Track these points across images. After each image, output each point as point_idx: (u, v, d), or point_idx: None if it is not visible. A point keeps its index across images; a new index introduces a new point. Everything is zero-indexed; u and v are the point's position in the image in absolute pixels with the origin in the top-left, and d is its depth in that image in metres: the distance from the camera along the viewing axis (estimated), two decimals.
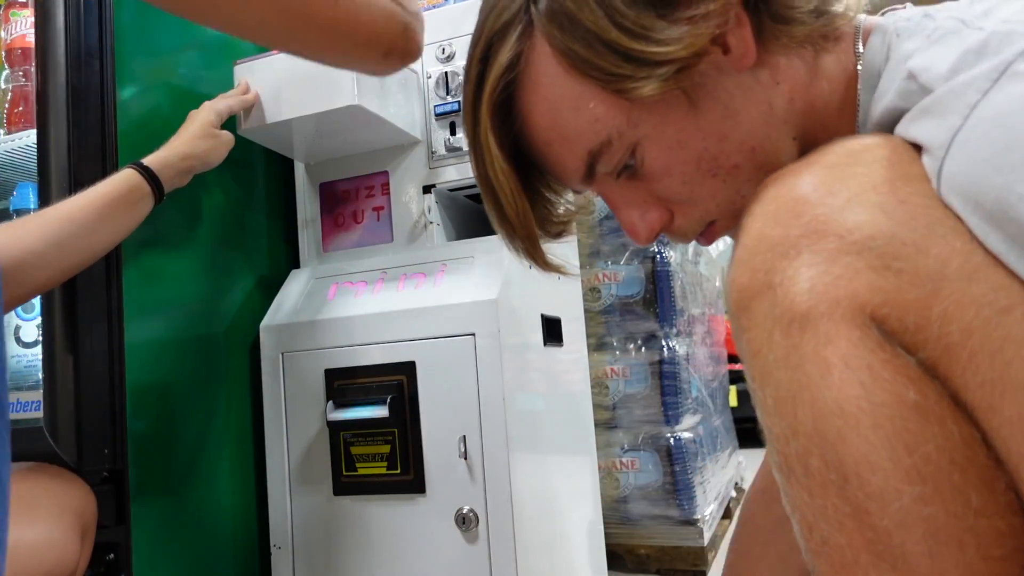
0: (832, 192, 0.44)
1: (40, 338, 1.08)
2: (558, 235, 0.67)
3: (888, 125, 0.49)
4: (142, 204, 0.95)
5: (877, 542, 0.41)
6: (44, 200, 0.97)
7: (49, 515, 0.78)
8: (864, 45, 0.55)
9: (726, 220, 0.60)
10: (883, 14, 0.57)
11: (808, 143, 0.57)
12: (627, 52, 0.52)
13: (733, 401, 3.46)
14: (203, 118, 1.07)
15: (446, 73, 1.23)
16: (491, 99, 0.59)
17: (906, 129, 0.46)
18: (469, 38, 1.33)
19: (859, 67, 0.56)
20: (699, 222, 0.60)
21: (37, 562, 0.74)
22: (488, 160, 0.61)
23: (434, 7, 1.28)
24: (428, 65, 1.26)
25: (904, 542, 0.40)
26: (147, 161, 0.97)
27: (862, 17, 0.58)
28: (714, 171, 0.57)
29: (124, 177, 0.93)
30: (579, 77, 0.55)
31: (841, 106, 0.57)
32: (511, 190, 0.61)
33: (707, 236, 0.62)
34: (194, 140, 1.04)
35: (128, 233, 0.94)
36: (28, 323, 1.16)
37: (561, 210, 0.67)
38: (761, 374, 0.46)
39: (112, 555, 0.96)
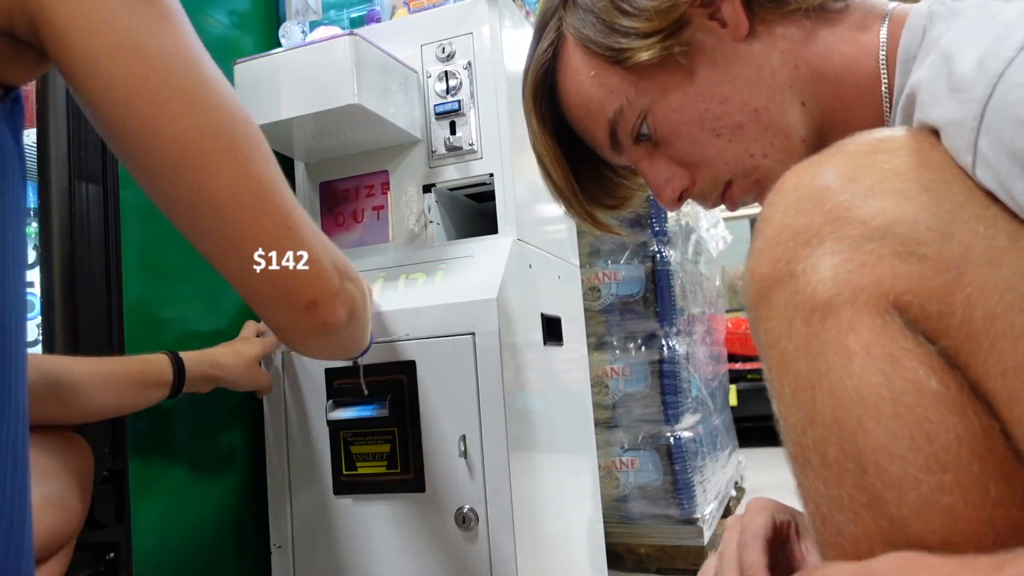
0: (854, 179, 0.44)
1: (40, 337, 1.08)
2: (612, 207, 0.78)
3: (914, 100, 0.49)
4: (156, 390, 0.92)
5: (893, 532, 0.41)
6: (44, 199, 0.96)
7: (48, 474, 0.76)
8: (901, 30, 0.57)
9: (741, 180, 0.65)
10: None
11: (824, 113, 0.62)
12: (624, 29, 0.62)
13: (733, 400, 3.46)
14: (254, 352, 1.09)
15: (446, 72, 1.23)
16: (533, 84, 0.71)
17: (927, 112, 0.46)
18: (468, 38, 1.33)
19: (882, 52, 0.58)
20: (714, 183, 0.66)
21: (38, 523, 0.73)
22: (534, 136, 0.73)
23: (434, 7, 1.28)
24: (428, 64, 1.26)
25: (921, 532, 0.40)
26: (182, 355, 0.97)
27: (892, 4, 0.61)
28: (717, 131, 0.63)
29: (154, 358, 0.93)
30: (595, 57, 0.65)
31: (869, 87, 0.59)
32: (552, 159, 0.73)
33: (729, 200, 0.67)
34: (237, 365, 1.05)
35: (127, 411, 0.91)
36: (28, 323, 1.16)
37: (620, 190, 0.78)
38: (779, 364, 0.45)
39: (112, 555, 0.96)
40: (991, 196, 0.42)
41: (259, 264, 0.57)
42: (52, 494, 0.76)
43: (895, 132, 0.47)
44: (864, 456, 0.41)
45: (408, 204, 1.27)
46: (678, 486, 1.80)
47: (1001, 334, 0.39)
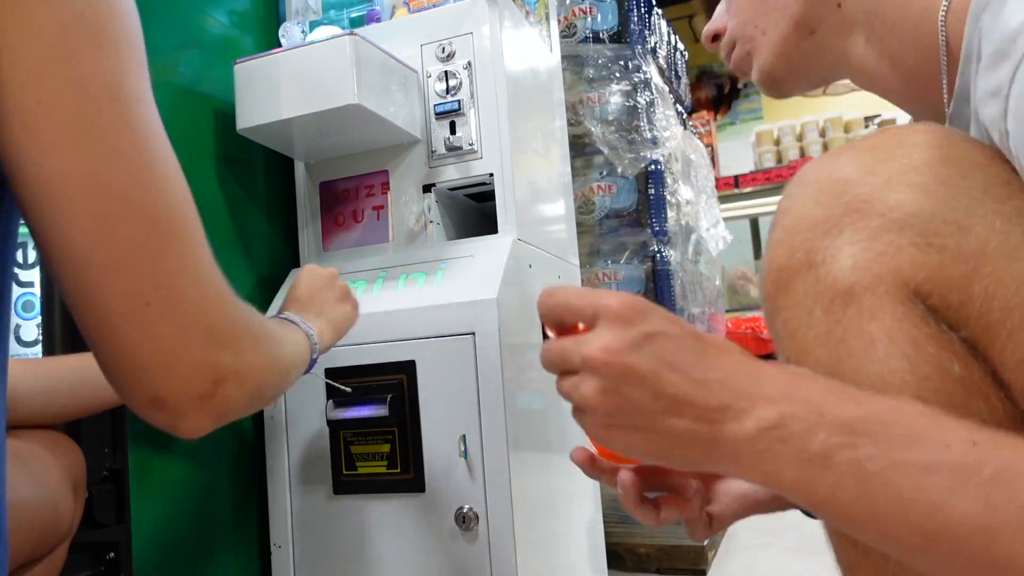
0: (873, 172, 0.44)
1: (40, 338, 1.08)
2: None
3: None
4: None
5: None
6: None
7: (38, 474, 0.77)
8: None
9: (739, 46, 0.65)
10: None
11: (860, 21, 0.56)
12: None
13: None
14: None
15: (446, 72, 1.23)
16: None
17: (986, 80, 0.44)
18: (468, 38, 1.33)
19: None
20: (730, 39, 0.66)
21: (31, 523, 0.72)
22: None
23: (434, 7, 1.28)
24: (428, 64, 1.26)
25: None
26: None
27: None
28: None
29: None
30: None
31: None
32: None
33: (728, 60, 0.67)
34: None
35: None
36: (28, 323, 1.16)
37: None
38: (798, 352, 0.45)
39: (112, 555, 0.96)
40: (1008, 192, 0.42)
41: (102, 335, 0.46)
42: (43, 495, 0.76)
43: (915, 127, 0.47)
44: None
45: (408, 204, 1.27)
46: None
47: (1018, 326, 0.40)
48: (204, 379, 0.48)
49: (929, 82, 0.51)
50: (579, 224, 1.80)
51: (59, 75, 0.43)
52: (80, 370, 0.85)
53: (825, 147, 5.16)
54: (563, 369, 0.47)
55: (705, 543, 1.78)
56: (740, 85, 6.43)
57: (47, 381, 0.83)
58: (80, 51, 0.44)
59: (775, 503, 0.67)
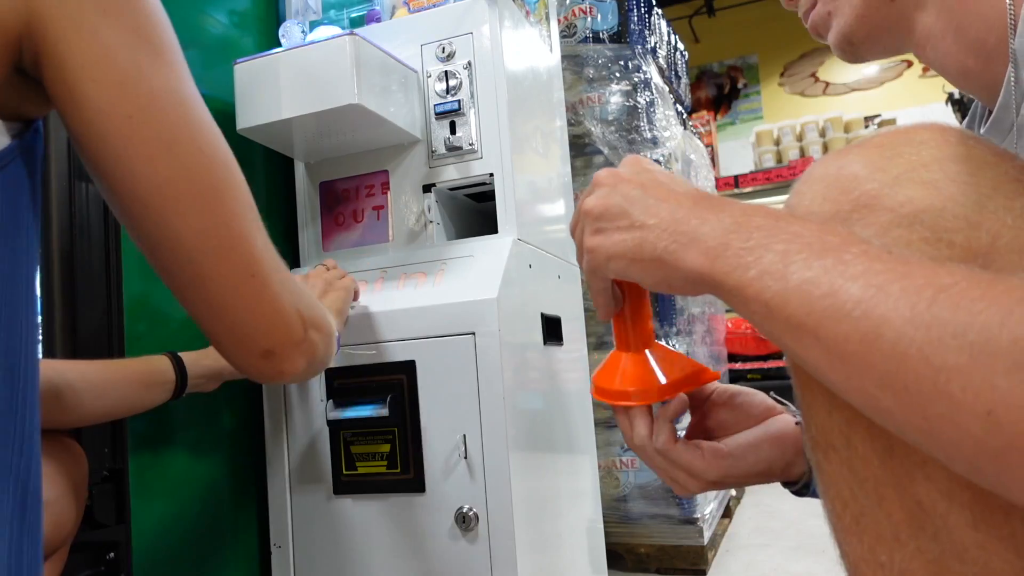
0: (881, 169, 0.44)
1: (40, 337, 1.08)
2: None
3: None
4: (158, 389, 0.92)
5: (919, 513, 0.40)
6: (44, 199, 0.96)
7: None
8: None
9: (821, 5, 0.62)
10: None
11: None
12: None
13: None
14: None
15: (446, 72, 1.23)
16: None
17: None
18: (468, 38, 1.34)
19: None
20: None
21: None
22: None
23: (434, 7, 1.28)
24: (428, 64, 1.26)
25: (948, 512, 0.39)
26: (183, 354, 0.96)
27: None
28: None
29: (154, 359, 0.93)
30: None
31: None
32: None
33: (805, 19, 0.64)
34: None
35: (130, 412, 0.91)
36: None
37: None
38: None
39: (112, 555, 0.96)
40: (1018, 190, 0.42)
41: (217, 309, 0.56)
42: (45, 498, 0.76)
43: (923, 126, 0.47)
44: (893, 436, 0.40)
45: (408, 204, 1.27)
46: None
47: None
48: (299, 327, 0.60)
49: (990, 54, 0.51)
50: None
51: (140, 91, 0.50)
52: (122, 372, 0.88)
53: (825, 147, 5.16)
54: (580, 211, 0.56)
55: (705, 542, 1.78)
56: (740, 85, 6.42)
57: (96, 381, 0.85)
58: (149, 65, 0.51)
59: (750, 473, 0.68)
